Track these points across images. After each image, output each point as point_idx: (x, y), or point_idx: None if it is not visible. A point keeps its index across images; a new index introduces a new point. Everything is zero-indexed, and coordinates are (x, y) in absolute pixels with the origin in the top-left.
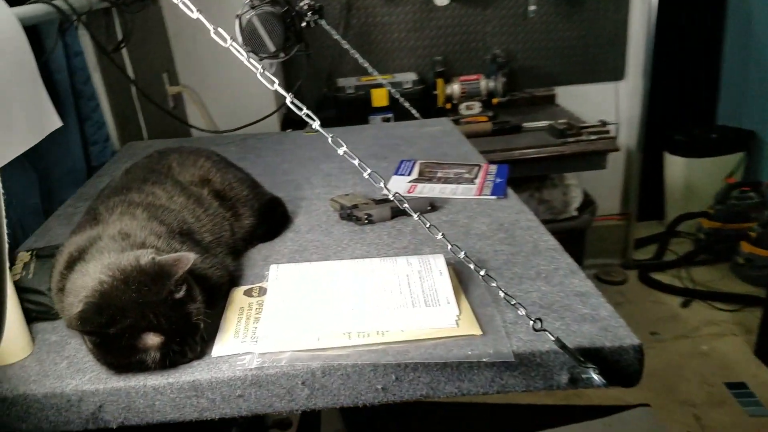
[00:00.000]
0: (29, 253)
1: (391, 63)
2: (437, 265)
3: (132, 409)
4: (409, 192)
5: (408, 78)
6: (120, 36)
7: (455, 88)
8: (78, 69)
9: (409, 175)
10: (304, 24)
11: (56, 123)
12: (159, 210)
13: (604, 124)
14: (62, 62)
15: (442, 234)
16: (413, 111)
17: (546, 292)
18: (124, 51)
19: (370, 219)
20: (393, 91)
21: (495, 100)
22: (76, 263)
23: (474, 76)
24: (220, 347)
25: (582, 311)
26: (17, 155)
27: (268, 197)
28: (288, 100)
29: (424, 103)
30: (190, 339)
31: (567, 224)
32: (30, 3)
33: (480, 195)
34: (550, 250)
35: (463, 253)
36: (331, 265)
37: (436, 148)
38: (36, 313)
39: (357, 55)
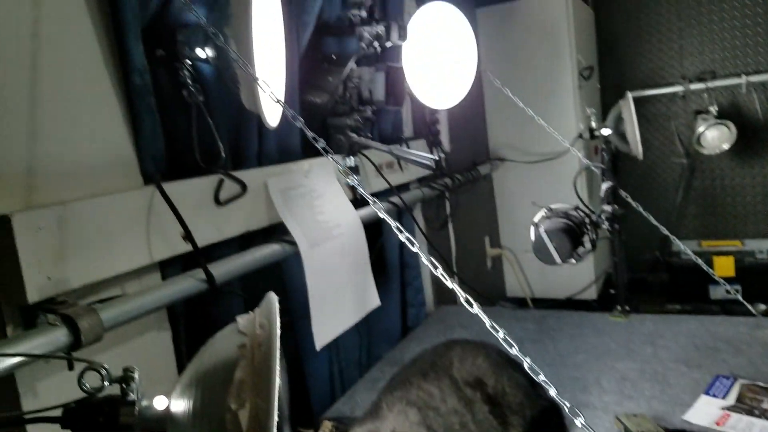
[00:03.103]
0: (331, 423)
1: (743, 228)
2: None
3: None
4: (717, 424)
5: (763, 246)
6: (448, 211)
7: None
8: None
9: (723, 398)
10: (606, 226)
11: (376, 303)
12: (430, 413)
13: None
14: (395, 241)
15: None
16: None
17: None
18: (450, 224)
19: None
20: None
21: None
22: None
23: None
24: None
25: None
26: (343, 331)
27: (545, 406)
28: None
29: None
30: None
31: None
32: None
33: None
34: None
35: None
36: None
37: None
38: None
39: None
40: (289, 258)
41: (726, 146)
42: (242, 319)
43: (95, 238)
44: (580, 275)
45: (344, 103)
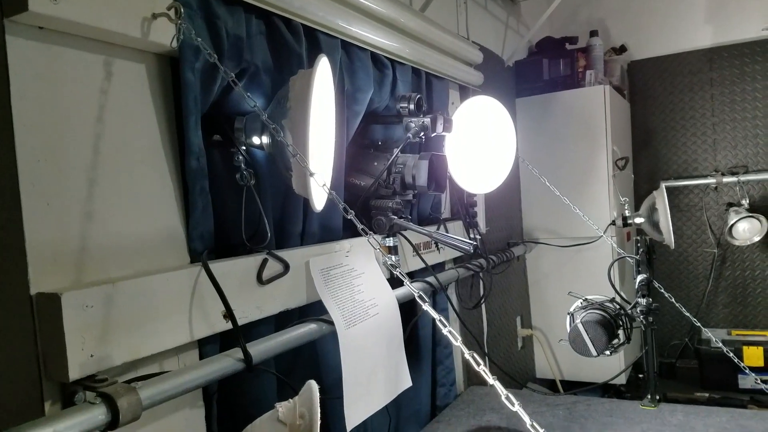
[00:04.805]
0: None
1: None
2: None
3: None
4: None
5: None
6: (482, 292)
7: None
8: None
9: None
10: (640, 319)
11: (407, 384)
12: None
13: None
14: (429, 318)
15: None
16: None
17: None
18: (484, 304)
19: None
20: None
21: None
22: None
23: None
24: None
25: None
26: (373, 413)
27: None
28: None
29: None
30: None
31: None
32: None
33: None
34: None
35: None
36: None
37: None
38: None
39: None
40: (324, 336)
41: (757, 238)
42: (282, 407)
43: (140, 316)
44: (610, 360)
45: (387, 187)
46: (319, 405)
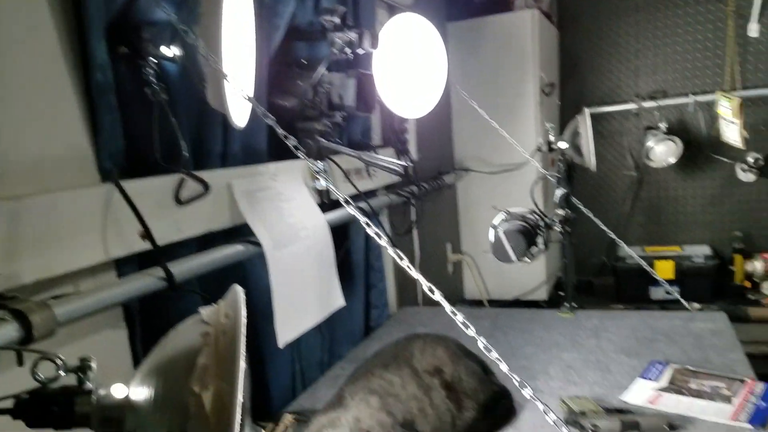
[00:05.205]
0: (292, 416)
1: (683, 235)
2: None
3: None
4: (650, 402)
5: (700, 251)
6: (413, 218)
7: (757, 265)
8: (373, 248)
9: (657, 380)
10: (558, 228)
11: (340, 303)
12: (390, 399)
13: None
14: (361, 244)
15: None
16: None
17: None
18: (415, 230)
19: (596, 431)
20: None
21: None
22: None
23: None
24: None
25: None
26: (306, 330)
27: (496, 390)
28: None
29: (719, 279)
30: None
31: None
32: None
33: (733, 420)
34: None
35: None
36: None
37: (700, 350)
38: None
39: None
40: (252, 260)
41: (672, 160)
42: (206, 310)
43: (49, 234)
44: (532, 278)
45: (314, 107)
46: (244, 306)
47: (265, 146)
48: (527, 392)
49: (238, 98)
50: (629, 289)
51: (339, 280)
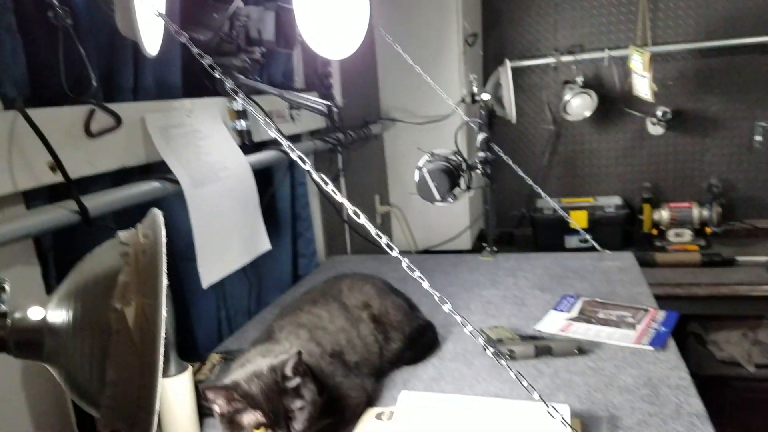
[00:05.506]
0: (219, 355)
1: (596, 187)
2: (561, 415)
3: None
4: (561, 330)
5: (611, 202)
6: (340, 166)
7: (664, 214)
8: (300, 196)
9: (568, 312)
10: (480, 171)
11: (266, 246)
12: (318, 331)
13: None
14: (287, 191)
15: (539, 395)
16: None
17: None
18: (342, 178)
19: (512, 355)
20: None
21: (708, 230)
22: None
23: (685, 204)
24: None
25: None
26: (231, 272)
27: (421, 323)
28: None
29: (628, 227)
30: (285, 428)
31: None
32: (266, 150)
33: (637, 344)
34: (692, 415)
35: (560, 415)
36: (457, 400)
37: (608, 285)
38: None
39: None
40: (173, 202)
41: (587, 113)
42: (123, 233)
43: None
44: (456, 229)
45: (230, 42)
46: (163, 227)
47: (180, 81)
48: (446, 307)
49: (149, 23)
50: (546, 239)
51: (264, 225)
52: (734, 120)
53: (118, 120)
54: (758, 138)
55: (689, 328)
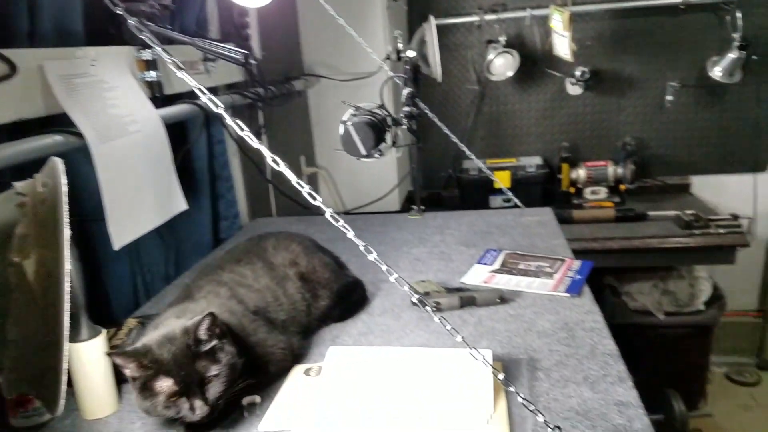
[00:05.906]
0: (136, 320)
1: (518, 147)
2: (482, 356)
3: None
4: (485, 282)
5: (532, 162)
6: (261, 122)
7: (581, 173)
8: (219, 155)
9: (491, 264)
10: (405, 126)
11: (182, 206)
12: (241, 289)
13: (735, 217)
14: (204, 150)
15: (462, 337)
16: (513, 198)
17: (587, 399)
18: (264, 136)
19: (438, 307)
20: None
21: (622, 187)
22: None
23: (601, 162)
24: (268, 422)
25: (616, 421)
26: (144, 233)
27: (349, 280)
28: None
29: (548, 186)
30: (199, 395)
31: (693, 318)
32: (179, 103)
33: (554, 291)
34: (606, 355)
35: (482, 356)
36: (385, 352)
37: (528, 238)
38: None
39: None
40: (79, 159)
41: (510, 73)
42: (20, 183)
43: None
44: (384, 189)
45: None
46: (64, 175)
47: (81, 28)
48: (372, 257)
49: None
50: (471, 199)
51: (179, 184)
52: (648, 80)
53: (13, 67)
54: (669, 98)
55: (605, 280)
